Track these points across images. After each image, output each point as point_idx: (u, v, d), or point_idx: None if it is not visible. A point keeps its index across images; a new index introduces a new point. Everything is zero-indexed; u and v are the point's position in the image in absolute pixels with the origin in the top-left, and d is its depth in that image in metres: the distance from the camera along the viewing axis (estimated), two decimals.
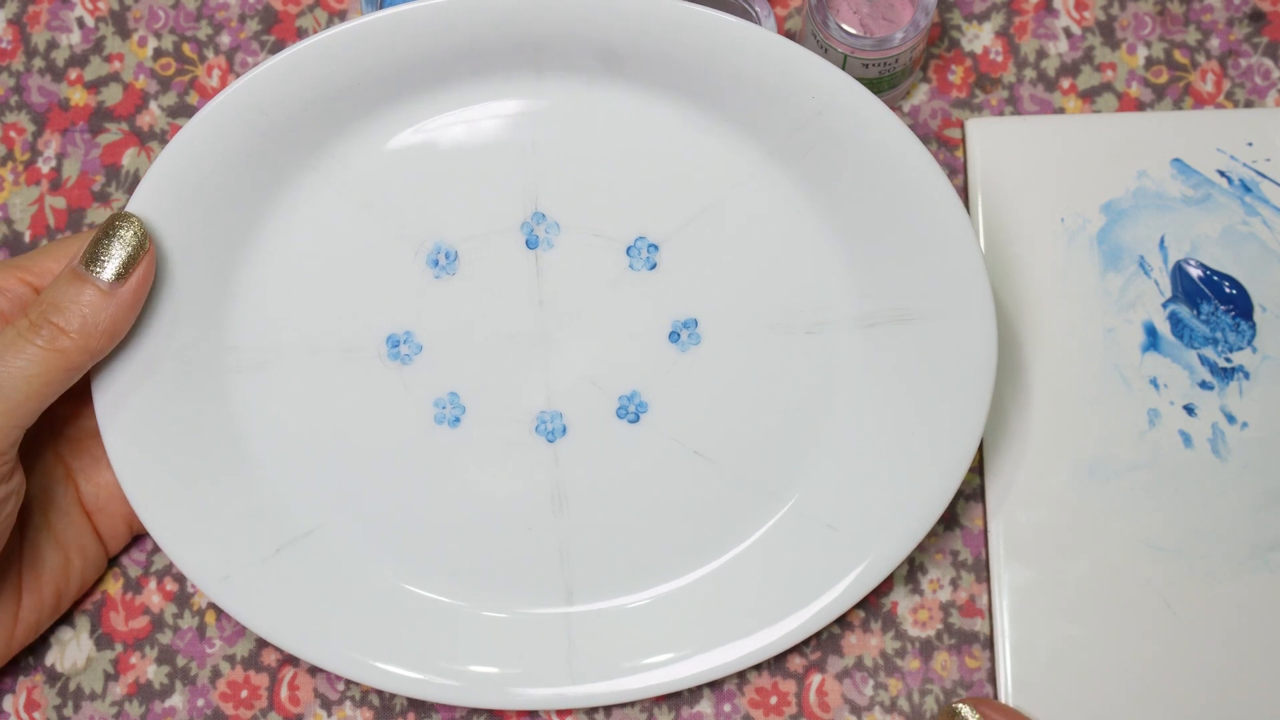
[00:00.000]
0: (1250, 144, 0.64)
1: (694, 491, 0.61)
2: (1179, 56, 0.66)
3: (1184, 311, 0.62)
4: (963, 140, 0.64)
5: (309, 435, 0.61)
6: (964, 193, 0.65)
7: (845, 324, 0.60)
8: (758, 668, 0.63)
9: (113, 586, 0.63)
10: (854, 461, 0.61)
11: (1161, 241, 0.63)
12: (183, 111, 0.66)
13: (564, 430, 0.61)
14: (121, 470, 0.58)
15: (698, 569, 0.62)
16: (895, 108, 0.66)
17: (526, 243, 0.60)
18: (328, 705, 0.63)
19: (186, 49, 0.67)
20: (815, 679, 0.63)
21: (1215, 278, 0.63)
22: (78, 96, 0.66)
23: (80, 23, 0.67)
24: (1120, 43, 0.66)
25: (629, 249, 0.60)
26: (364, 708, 0.63)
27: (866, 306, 0.60)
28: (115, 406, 0.58)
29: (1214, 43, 0.66)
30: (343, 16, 0.67)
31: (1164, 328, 0.63)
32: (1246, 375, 0.62)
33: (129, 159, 0.66)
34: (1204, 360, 0.62)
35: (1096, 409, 0.62)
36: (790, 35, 0.66)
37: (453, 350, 0.60)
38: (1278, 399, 0.62)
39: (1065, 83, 0.66)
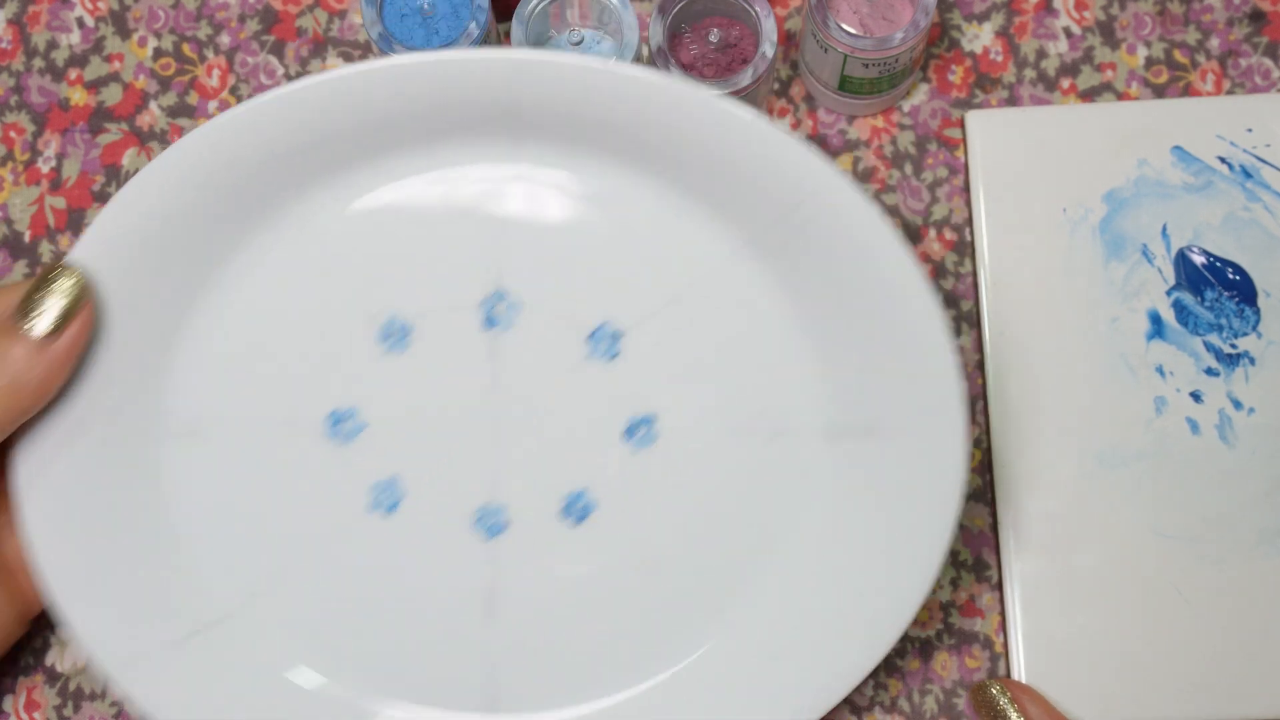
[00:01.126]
0: (1250, 130, 0.64)
1: (636, 603, 0.58)
2: (1179, 56, 0.66)
3: (1188, 299, 0.62)
4: (963, 133, 0.64)
5: (237, 512, 0.57)
6: (965, 186, 0.65)
7: (810, 434, 0.57)
8: None
9: None
10: (806, 584, 0.57)
11: (1164, 230, 0.63)
12: (183, 112, 0.66)
13: (504, 526, 0.57)
14: (34, 534, 0.55)
15: (632, 686, 0.58)
16: (895, 108, 0.66)
17: (485, 321, 0.57)
18: None
19: (186, 49, 0.67)
20: None
21: (1218, 264, 0.63)
22: (78, 96, 0.66)
23: (80, 23, 0.67)
24: (1120, 43, 0.66)
25: (591, 335, 0.57)
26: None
27: (834, 416, 0.57)
28: (37, 468, 0.54)
29: (1214, 43, 0.66)
30: (343, 17, 0.67)
31: (1168, 315, 0.63)
32: (1252, 361, 0.62)
33: (129, 159, 0.66)
34: (1209, 347, 0.62)
35: (1103, 398, 0.62)
36: (790, 35, 0.66)
37: (397, 432, 0.57)
38: None
39: (1065, 83, 0.66)
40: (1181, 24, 0.66)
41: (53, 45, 0.67)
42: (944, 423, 0.55)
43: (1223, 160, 0.64)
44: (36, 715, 0.63)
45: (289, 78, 0.66)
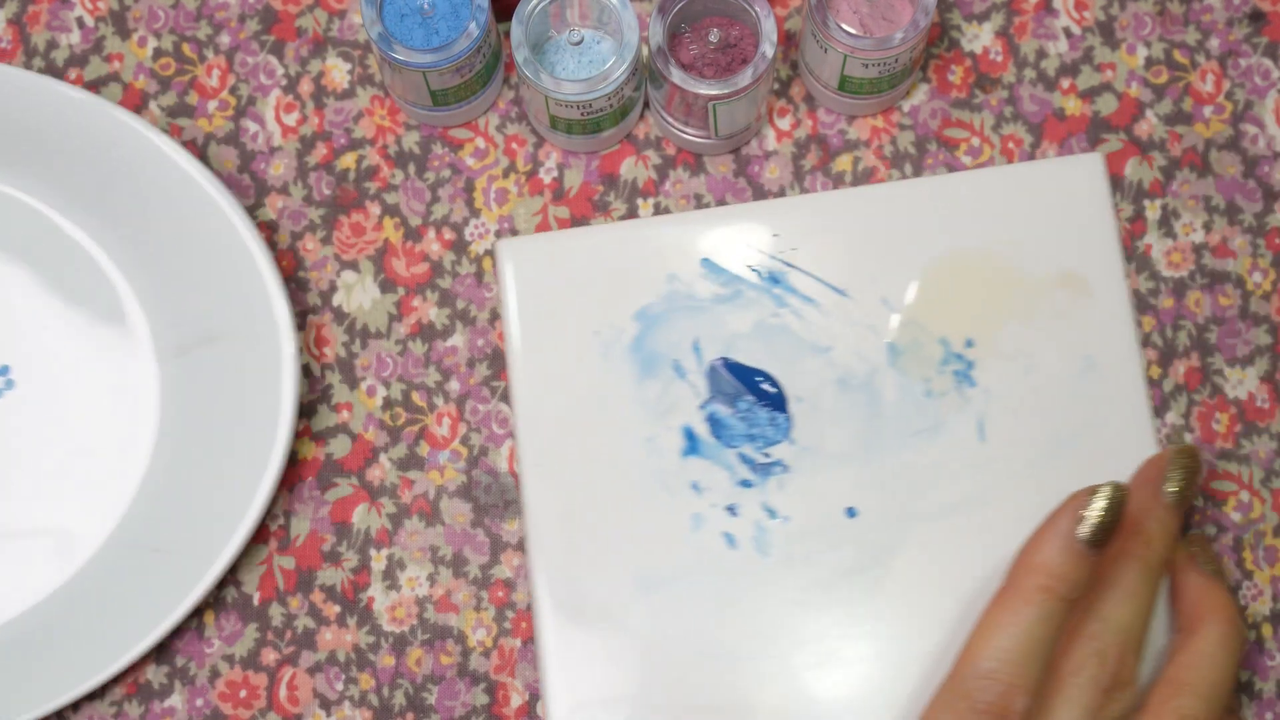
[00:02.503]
0: (776, 235, 0.63)
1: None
2: (1179, 56, 0.66)
3: (721, 411, 0.61)
4: (494, 261, 0.64)
5: None
6: (500, 314, 0.64)
7: (161, 354, 0.63)
8: (229, 660, 0.63)
9: None
10: (173, 484, 0.62)
11: (695, 344, 0.62)
12: (182, 111, 0.66)
13: None
14: None
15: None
16: (895, 108, 0.66)
17: None
18: (326, 705, 0.63)
19: (186, 49, 0.67)
20: (287, 673, 0.63)
21: (749, 373, 0.62)
22: None
23: (80, 23, 0.67)
24: (1120, 43, 0.66)
25: None
26: (363, 708, 0.63)
27: (177, 335, 0.63)
28: None
29: (1214, 43, 0.66)
30: (342, 17, 0.67)
31: (702, 430, 0.62)
32: (785, 468, 0.61)
33: None
34: (743, 458, 0.62)
35: (642, 519, 0.61)
36: (790, 35, 0.66)
37: None
38: (815, 489, 0.61)
39: (1065, 83, 0.66)
40: (1181, 24, 0.66)
41: (53, 45, 0.67)
42: (268, 313, 0.61)
43: (751, 268, 0.63)
44: None
45: (289, 78, 0.66)
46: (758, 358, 0.62)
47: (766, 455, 0.62)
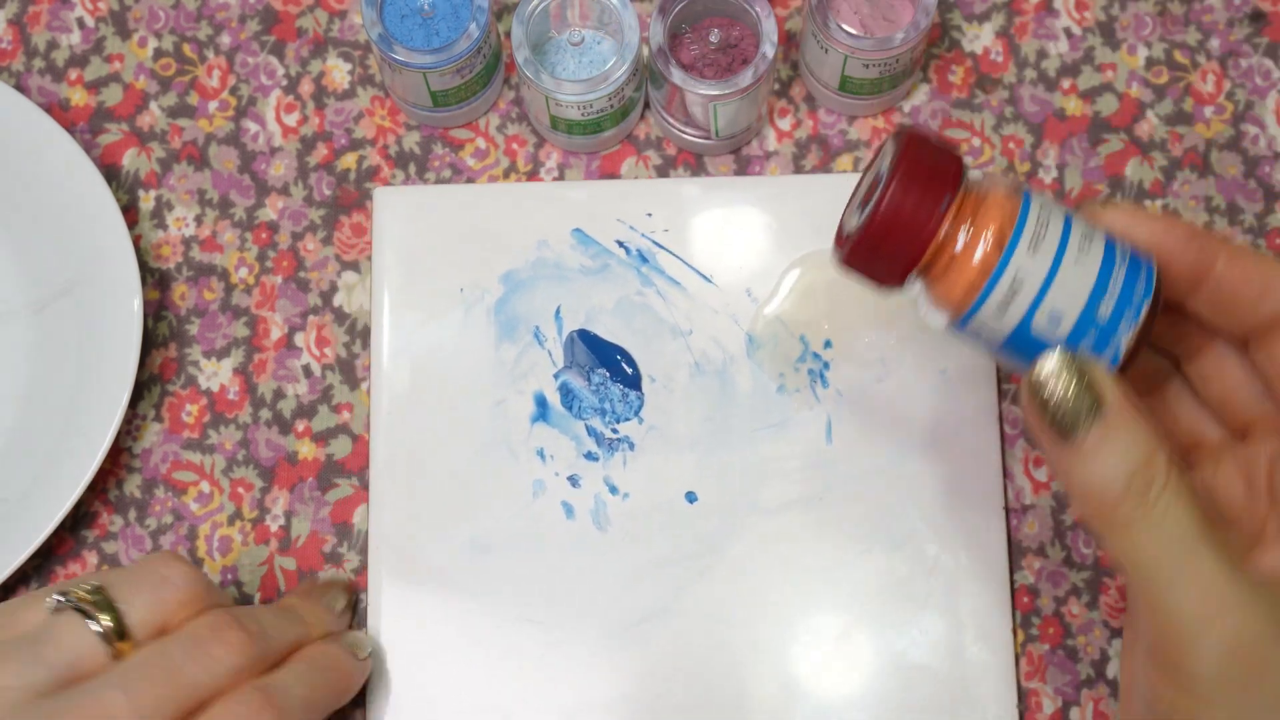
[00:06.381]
0: (650, 214, 0.63)
1: None
2: (1179, 57, 0.66)
3: (575, 382, 0.62)
4: (371, 209, 0.64)
5: None
6: (371, 264, 0.64)
7: (19, 314, 0.63)
8: None
9: None
10: (16, 436, 0.62)
11: (558, 312, 0.62)
12: (183, 112, 0.66)
13: None
14: None
15: None
16: (895, 108, 0.66)
17: None
18: None
19: (186, 49, 0.67)
20: None
21: (607, 348, 0.62)
22: (78, 97, 0.66)
23: (80, 23, 0.67)
24: (1120, 43, 0.66)
25: None
26: (362, 708, 0.63)
27: (35, 292, 0.63)
28: None
29: (1214, 43, 0.66)
30: (343, 17, 0.67)
31: (554, 398, 0.62)
32: (631, 446, 0.62)
33: (129, 159, 0.66)
34: (591, 431, 0.62)
35: (484, 481, 0.62)
36: (790, 35, 0.66)
37: None
38: (659, 470, 0.61)
39: (1065, 83, 0.66)
40: (1182, 24, 0.66)
41: (53, 45, 0.67)
42: (113, 255, 0.62)
43: (621, 244, 0.63)
44: None
45: (289, 78, 0.66)
46: (617, 333, 0.63)
47: (614, 431, 0.62)
